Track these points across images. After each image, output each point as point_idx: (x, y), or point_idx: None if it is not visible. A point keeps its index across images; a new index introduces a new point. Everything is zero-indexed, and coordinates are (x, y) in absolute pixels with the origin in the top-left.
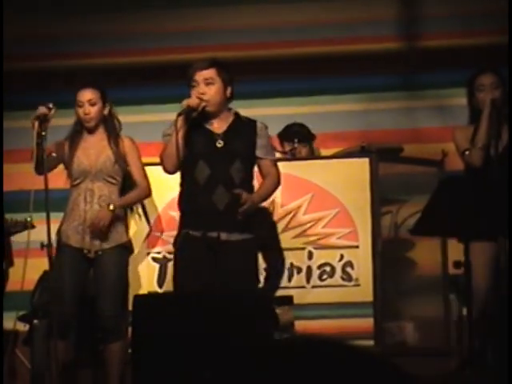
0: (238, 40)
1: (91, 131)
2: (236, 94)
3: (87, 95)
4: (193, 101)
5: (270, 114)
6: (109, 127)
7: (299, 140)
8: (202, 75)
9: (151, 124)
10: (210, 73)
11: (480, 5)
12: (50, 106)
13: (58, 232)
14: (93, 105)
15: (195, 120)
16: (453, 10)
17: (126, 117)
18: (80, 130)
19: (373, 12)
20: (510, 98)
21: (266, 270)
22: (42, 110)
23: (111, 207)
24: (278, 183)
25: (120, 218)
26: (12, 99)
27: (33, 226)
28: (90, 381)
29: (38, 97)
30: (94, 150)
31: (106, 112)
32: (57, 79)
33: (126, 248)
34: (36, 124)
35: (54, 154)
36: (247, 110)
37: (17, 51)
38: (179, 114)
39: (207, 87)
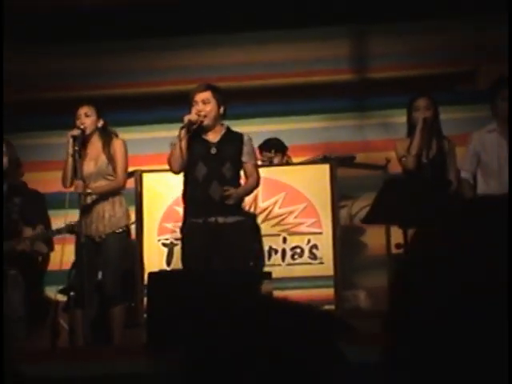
0: (227, 73)
1: (88, 139)
2: (227, 115)
3: (83, 109)
4: (192, 116)
5: (254, 130)
6: (103, 137)
7: (275, 151)
8: (200, 96)
9: (158, 139)
10: (206, 94)
11: (415, 43)
12: (82, 127)
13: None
14: (87, 116)
15: (195, 132)
16: (394, 49)
17: (134, 135)
18: (80, 143)
19: (331, 50)
20: (509, 98)
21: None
22: (76, 131)
23: (89, 191)
24: (257, 183)
25: (118, 205)
26: (43, 121)
27: (74, 231)
28: (102, 337)
29: (68, 119)
30: (92, 156)
31: (99, 124)
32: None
33: (124, 231)
34: (70, 141)
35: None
36: (235, 128)
37: (43, 83)
38: (182, 127)
39: (204, 105)
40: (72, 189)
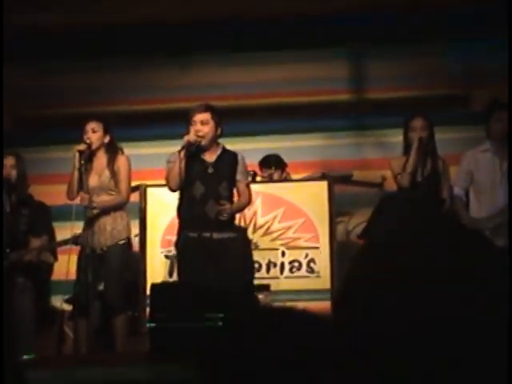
0: (229, 92)
1: (94, 154)
2: (228, 133)
3: (90, 124)
4: (191, 137)
5: (255, 147)
6: (108, 153)
7: (275, 167)
8: (199, 117)
9: (162, 155)
10: (205, 115)
11: (412, 66)
12: (88, 142)
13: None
14: (94, 132)
15: (193, 151)
16: (391, 71)
17: (139, 150)
18: (86, 158)
19: (331, 71)
20: (509, 99)
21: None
22: (82, 146)
23: (94, 205)
24: (248, 201)
25: (119, 219)
26: (50, 135)
27: (77, 242)
28: (104, 345)
29: (74, 134)
30: (96, 171)
31: (106, 140)
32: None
33: (125, 243)
34: (77, 156)
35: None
36: (237, 144)
37: (50, 100)
38: (181, 148)
39: (203, 126)
40: (78, 201)
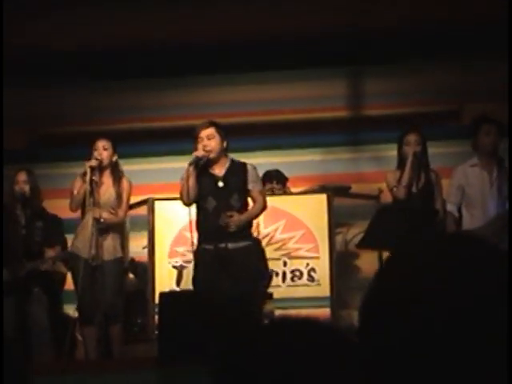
0: (231, 110)
1: (101, 172)
2: (232, 148)
3: (102, 142)
4: (199, 152)
5: (256, 162)
6: (114, 172)
7: (276, 181)
8: (204, 132)
9: (169, 170)
10: (210, 130)
11: (406, 84)
12: (99, 158)
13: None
14: (105, 149)
15: (202, 166)
16: (386, 88)
17: (147, 165)
18: (97, 174)
19: (328, 90)
20: (509, 99)
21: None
22: (94, 162)
23: (102, 220)
24: (263, 207)
25: (116, 238)
26: (64, 153)
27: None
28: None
29: (85, 151)
30: (103, 187)
31: (114, 159)
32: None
33: (120, 260)
34: (88, 171)
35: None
36: (240, 160)
37: (67, 120)
38: (190, 164)
39: (209, 141)
40: (77, 214)
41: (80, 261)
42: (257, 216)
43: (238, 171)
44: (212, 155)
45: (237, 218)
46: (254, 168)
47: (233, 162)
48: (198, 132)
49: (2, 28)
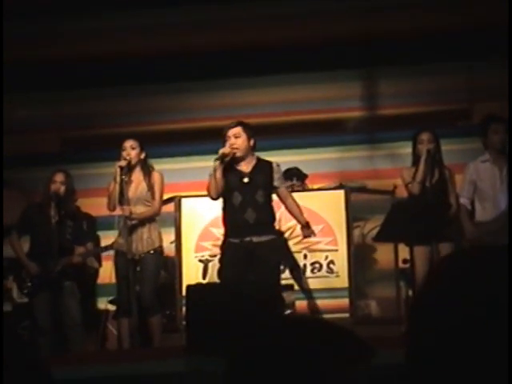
0: (255, 112)
1: (132, 169)
2: (257, 148)
3: (129, 142)
4: (226, 149)
5: (278, 160)
6: (144, 168)
7: (296, 179)
8: (232, 132)
9: (195, 169)
10: (237, 129)
11: (419, 85)
12: (128, 158)
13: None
14: (133, 149)
15: (229, 163)
16: (401, 89)
17: (174, 165)
18: (126, 172)
19: (346, 91)
20: (509, 100)
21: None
22: (123, 162)
23: (133, 216)
24: (296, 203)
25: (153, 228)
26: (95, 154)
27: (115, 249)
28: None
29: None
30: (134, 184)
31: (142, 156)
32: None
33: (158, 251)
34: (118, 171)
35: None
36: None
37: (98, 123)
38: (216, 159)
39: (236, 139)
40: (119, 212)
41: (121, 256)
42: (301, 211)
43: (264, 169)
44: (239, 153)
45: (311, 230)
46: (279, 166)
47: (259, 160)
48: (226, 132)
49: (1, 30)
